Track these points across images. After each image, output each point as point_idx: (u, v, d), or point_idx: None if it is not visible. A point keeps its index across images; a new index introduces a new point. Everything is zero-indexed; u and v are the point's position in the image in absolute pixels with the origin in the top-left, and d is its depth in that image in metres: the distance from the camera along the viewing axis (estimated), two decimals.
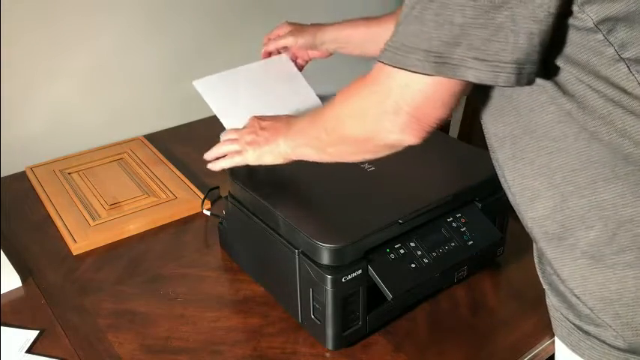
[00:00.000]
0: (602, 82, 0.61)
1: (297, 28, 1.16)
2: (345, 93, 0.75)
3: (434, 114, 0.66)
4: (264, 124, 0.93)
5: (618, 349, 0.67)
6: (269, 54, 1.18)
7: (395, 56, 0.64)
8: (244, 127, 0.97)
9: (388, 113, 0.67)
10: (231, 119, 1.04)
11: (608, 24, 0.59)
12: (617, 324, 0.66)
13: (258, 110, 0.98)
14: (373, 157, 0.78)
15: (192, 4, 1.56)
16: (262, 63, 1.15)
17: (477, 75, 0.60)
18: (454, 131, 1.73)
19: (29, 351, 0.91)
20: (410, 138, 0.69)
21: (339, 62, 1.53)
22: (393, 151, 0.74)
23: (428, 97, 0.64)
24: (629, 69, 0.60)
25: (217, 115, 1.05)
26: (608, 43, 0.59)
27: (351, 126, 0.74)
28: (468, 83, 0.63)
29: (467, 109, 1.76)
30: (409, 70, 0.63)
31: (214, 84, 1.06)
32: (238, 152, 0.95)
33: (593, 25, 0.59)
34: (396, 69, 0.64)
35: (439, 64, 0.61)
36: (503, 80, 0.59)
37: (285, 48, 1.17)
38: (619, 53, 0.59)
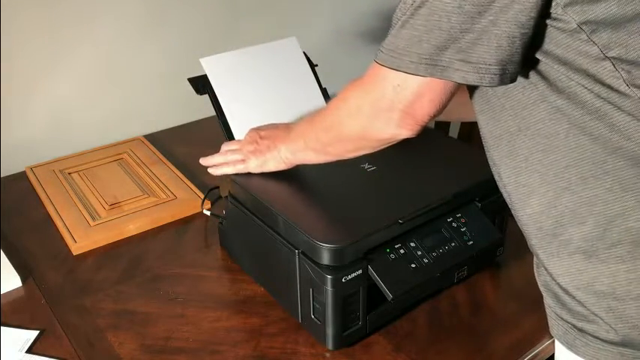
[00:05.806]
0: (590, 79, 0.63)
1: None
2: (342, 94, 0.80)
3: (425, 111, 0.71)
4: (263, 133, 0.98)
5: (612, 343, 0.68)
6: None
7: (390, 58, 0.68)
8: (244, 139, 1.01)
9: (383, 110, 0.72)
10: (235, 116, 1.06)
11: (590, 25, 0.61)
12: (609, 317, 0.68)
13: (260, 95, 1.02)
14: (371, 151, 0.82)
15: (192, 4, 1.56)
16: (271, 45, 1.15)
17: (463, 76, 0.64)
18: (454, 131, 1.73)
19: (29, 351, 0.91)
20: (405, 132, 0.74)
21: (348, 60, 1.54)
22: (389, 144, 0.79)
23: (419, 96, 0.69)
24: (615, 67, 0.62)
25: (223, 107, 1.06)
26: (592, 42, 0.62)
27: (348, 124, 0.79)
28: (457, 83, 0.68)
29: None
30: (403, 72, 0.67)
31: (221, 63, 1.08)
32: (241, 161, 1.00)
33: (576, 26, 0.62)
34: (390, 70, 0.69)
35: (430, 65, 0.65)
36: (487, 81, 0.64)
37: None
38: (603, 52, 0.62)
